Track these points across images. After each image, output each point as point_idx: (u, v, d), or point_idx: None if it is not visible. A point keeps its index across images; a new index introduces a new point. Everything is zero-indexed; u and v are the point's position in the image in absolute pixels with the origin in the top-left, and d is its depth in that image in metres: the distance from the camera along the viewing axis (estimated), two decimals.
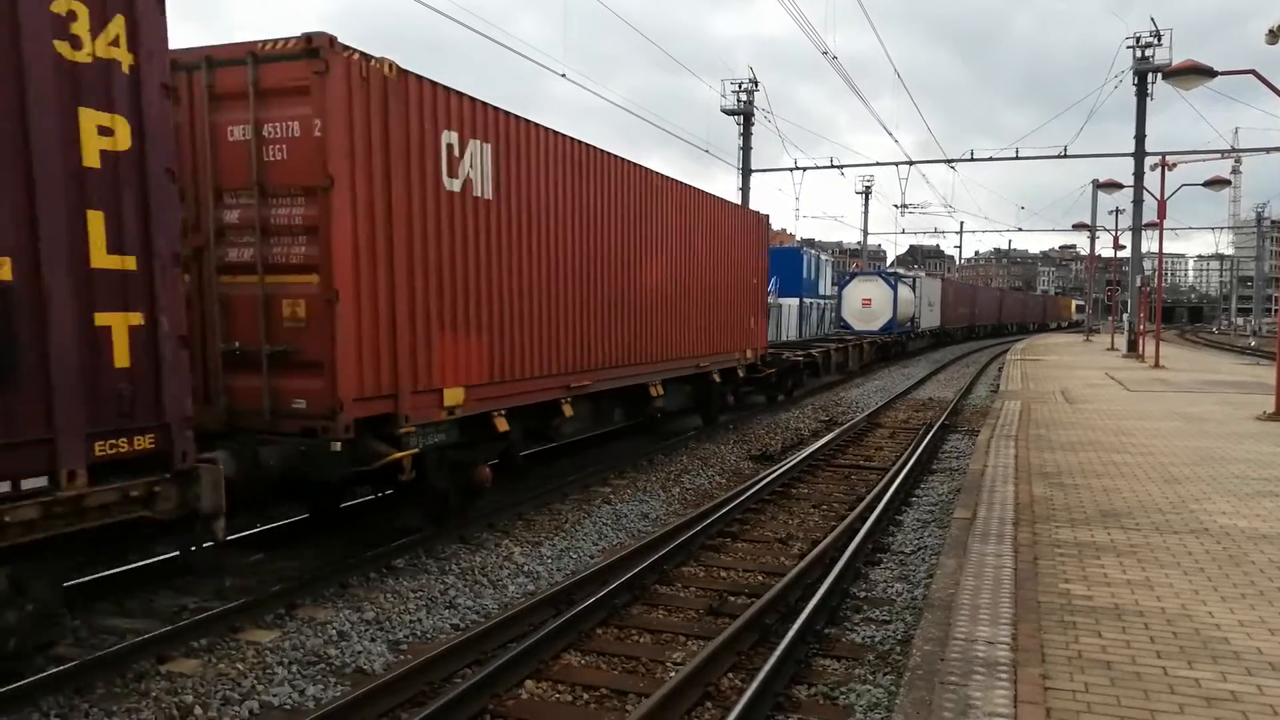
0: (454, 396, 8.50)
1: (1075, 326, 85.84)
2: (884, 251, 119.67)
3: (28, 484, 4.85)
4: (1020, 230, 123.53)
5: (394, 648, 6.42)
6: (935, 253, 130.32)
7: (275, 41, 7.18)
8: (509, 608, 7.16)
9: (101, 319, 5.19)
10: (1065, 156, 35.71)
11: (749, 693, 5.25)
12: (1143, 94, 33.18)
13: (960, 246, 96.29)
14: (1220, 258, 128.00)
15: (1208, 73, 14.14)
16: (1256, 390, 18.51)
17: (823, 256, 45.72)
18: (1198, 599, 5.45)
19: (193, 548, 6.41)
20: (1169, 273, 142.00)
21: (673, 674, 5.79)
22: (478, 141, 8.74)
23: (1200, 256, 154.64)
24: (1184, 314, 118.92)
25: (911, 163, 40.24)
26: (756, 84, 39.29)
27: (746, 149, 39.57)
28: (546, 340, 10.08)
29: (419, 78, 7.96)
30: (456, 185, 8.45)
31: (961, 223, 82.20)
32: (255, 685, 5.66)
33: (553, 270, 10.19)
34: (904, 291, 38.93)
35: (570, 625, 6.50)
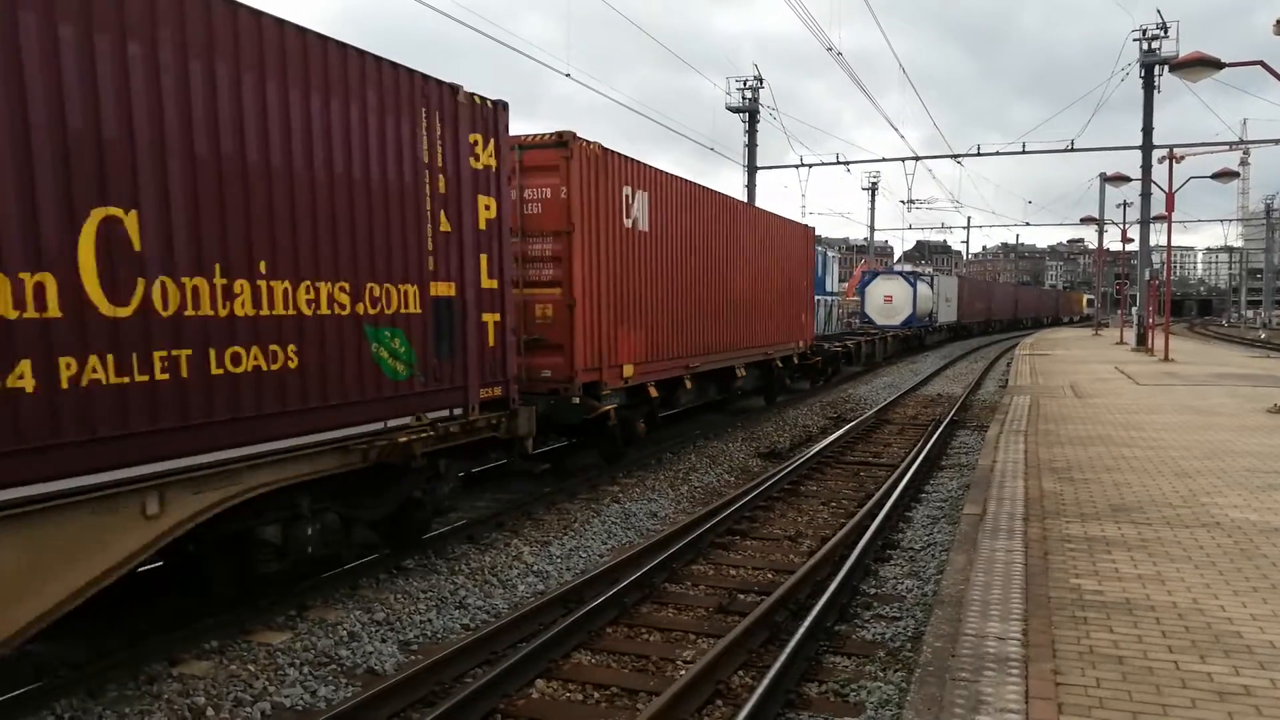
0: (628, 370, 12.15)
1: (1086, 320, 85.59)
2: (890, 248, 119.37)
3: (455, 412, 8.09)
4: (1028, 224, 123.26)
5: (405, 648, 6.44)
6: (942, 248, 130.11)
7: (534, 136, 10.89)
8: (519, 607, 7.17)
9: (485, 318, 8.48)
10: (1072, 150, 35.44)
11: (760, 690, 5.25)
12: (1150, 87, 32.93)
13: (967, 242, 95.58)
14: (1229, 250, 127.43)
15: (1215, 64, 14.08)
16: (1267, 383, 18.43)
17: (829, 253, 45.64)
18: (1209, 593, 5.43)
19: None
20: (1178, 266, 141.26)
21: (683, 672, 5.79)
22: (641, 191, 12.44)
23: (1209, 249, 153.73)
24: (1193, 307, 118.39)
25: (918, 158, 40.12)
26: (761, 81, 39.12)
27: (752, 146, 39.44)
28: (675, 332, 13.72)
29: (613, 152, 11.64)
30: (629, 223, 12.13)
31: (969, 218, 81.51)
32: (267, 686, 5.69)
33: (680, 279, 13.85)
34: (923, 289, 41.38)
35: (580, 624, 6.52)
